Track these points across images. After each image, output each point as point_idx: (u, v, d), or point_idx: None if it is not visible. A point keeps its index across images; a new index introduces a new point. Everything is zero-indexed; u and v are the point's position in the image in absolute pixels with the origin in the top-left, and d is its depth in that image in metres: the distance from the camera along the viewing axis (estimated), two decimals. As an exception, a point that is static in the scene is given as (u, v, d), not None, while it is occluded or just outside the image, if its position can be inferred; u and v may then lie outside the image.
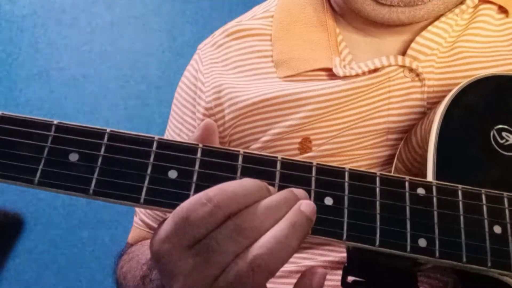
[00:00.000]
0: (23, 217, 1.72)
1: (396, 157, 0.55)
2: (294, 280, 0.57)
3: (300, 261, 0.58)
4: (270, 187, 0.39)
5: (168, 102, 0.74)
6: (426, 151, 0.48)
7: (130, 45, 1.99)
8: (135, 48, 1.99)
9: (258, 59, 0.65)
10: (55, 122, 0.39)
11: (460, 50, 0.58)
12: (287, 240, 0.36)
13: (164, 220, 0.39)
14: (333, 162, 0.58)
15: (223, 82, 0.65)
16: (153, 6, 2.03)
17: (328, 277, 0.55)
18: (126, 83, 1.96)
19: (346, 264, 0.46)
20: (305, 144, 0.59)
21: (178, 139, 0.70)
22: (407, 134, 0.56)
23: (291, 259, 0.59)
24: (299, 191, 0.39)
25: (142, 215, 0.73)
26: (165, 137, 0.75)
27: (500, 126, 0.47)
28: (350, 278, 0.46)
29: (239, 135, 0.64)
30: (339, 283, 0.54)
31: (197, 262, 0.37)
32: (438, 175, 0.45)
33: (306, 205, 0.38)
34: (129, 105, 1.92)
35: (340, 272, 0.47)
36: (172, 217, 0.37)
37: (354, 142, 0.58)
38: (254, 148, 0.62)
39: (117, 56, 1.98)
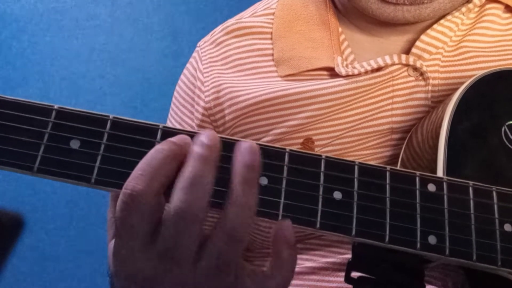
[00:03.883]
0: (23, 217, 1.71)
1: (400, 158, 0.54)
2: (295, 282, 0.57)
3: (302, 262, 0.57)
4: (180, 140, 0.38)
5: (169, 102, 0.73)
6: (429, 150, 0.48)
7: (130, 45, 1.97)
8: (135, 48, 1.98)
9: (258, 58, 0.64)
10: (56, 107, 0.38)
11: (466, 50, 0.57)
12: (247, 200, 0.36)
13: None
14: None
15: (223, 81, 0.63)
16: (153, 6, 2.01)
17: (330, 278, 0.55)
18: (126, 83, 1.94)
19: (350, 260, 0.45)
20: (307, 145, 0.58)
21: None
22: (409, 135, 0.55)
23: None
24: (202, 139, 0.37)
25: None
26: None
27: (511, 122, 0.46)
28: (355, 274, 0.45)
29: (240, 135, 0.62)
30: (341, 285, 0.54)
31: (165, 264, 0.37)
32: (449, 171, 0.44)
33: (246, 154, 0.37)
34: (129, 105, 1.90)
35: (342, 273, 0.46)
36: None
37: (357, 143, 0.57)
38: None
39: (117, 56, 1.96)
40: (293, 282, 0.56)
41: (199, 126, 0.65)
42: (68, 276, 1.76)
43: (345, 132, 0.57)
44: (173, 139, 0.37)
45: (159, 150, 0.36)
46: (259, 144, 0.39)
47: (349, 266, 0.45)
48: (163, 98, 1.82)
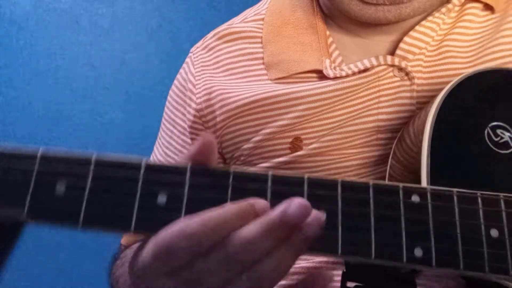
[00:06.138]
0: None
1: (390, 156, 0.54)
2: (290, 282, 0.58)
3: (297, 262, 0.58)
4: (261, 203, 0.38)
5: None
6: (415, 156, 0.48)
7: (130, 45, 1.97)
8: (135, 48, 1.98)
9: (249, 62, 0.65)
10: (40, 151, 0.39)
11: (447, 49, 0.58)
12: (286, 265, 0.37)
13: (144, 241, 0.38)
14: (323, 160, 0.58)
15: (214, 84, 0.65)
16: (153, 7, 2.00)
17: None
18: (125, 83, 1.95)
19: (344, 270, 0.46)
20: (296, 144, 0.60)
21: (170, 141, 0.70)
22: (400, 133, 0.55)
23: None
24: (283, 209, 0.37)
25: None
26: (158, 138, 0.75)
27: (494, 123, 0.46)
28: (350, 284, 0.46)
29: (230, 135, 0.64)
30: (336, 284, 0.55)
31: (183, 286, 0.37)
32: (433, 177, 0.44)
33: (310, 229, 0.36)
34: (129, 105, 1.91)
35: (336, 272, 0.47)
36: (153, 247, 0.36)
37: (344, 141, 0.59)
38: (246, 148, 0.62)
39: (117, 56, 1.96)
40: (288, 283, 0.57)
41: (191, 128, 0.67)
42: (68, 276, 1.78)
43: (332, 130, 0.59)
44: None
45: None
46: (241, 172, 0.40)
47: (344, 277, 0.46)
48: (162, 98, 1.83)
